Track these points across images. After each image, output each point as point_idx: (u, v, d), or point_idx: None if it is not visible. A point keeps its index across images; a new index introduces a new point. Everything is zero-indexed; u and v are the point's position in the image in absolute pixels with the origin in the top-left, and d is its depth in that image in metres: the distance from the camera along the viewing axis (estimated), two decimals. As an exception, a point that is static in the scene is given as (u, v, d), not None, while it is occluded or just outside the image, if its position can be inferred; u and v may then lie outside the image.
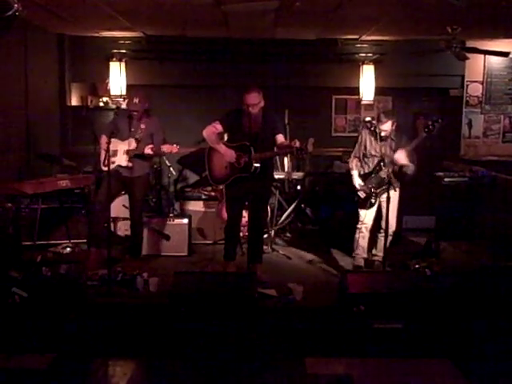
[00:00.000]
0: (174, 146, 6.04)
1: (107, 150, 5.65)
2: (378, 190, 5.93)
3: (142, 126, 6.13)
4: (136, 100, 6.13)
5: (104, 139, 6.02)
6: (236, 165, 5.67)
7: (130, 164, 6.14)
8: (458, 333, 4.73)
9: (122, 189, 6.45)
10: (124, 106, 8.40)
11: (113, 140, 5.95)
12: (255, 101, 5.54)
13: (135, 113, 6.12)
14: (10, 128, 7.06)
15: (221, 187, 6.53)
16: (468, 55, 7.21)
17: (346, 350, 4.62)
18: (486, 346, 4.52)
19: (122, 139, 6.15)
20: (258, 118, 5.60)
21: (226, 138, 6.14)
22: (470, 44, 7.72)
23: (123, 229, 7.00)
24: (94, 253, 6.17)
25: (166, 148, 6.02)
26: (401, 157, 5.74)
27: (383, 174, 5.81)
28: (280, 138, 5.72)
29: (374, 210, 6.08)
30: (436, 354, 4.54)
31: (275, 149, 5.78)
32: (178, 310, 4.88)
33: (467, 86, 8.69)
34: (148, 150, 6.04)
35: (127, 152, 6.12)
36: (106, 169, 5.80)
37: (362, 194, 6.01)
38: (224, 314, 4.85)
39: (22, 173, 7.09)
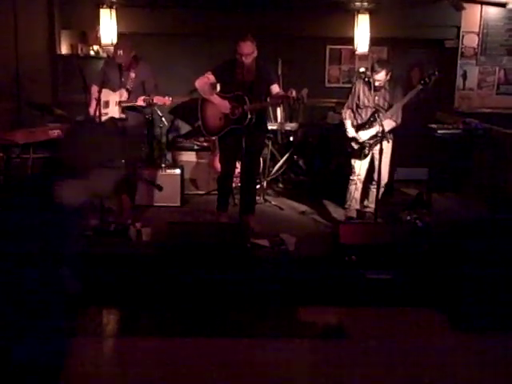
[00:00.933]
0: (167, 97, 5.92)
1: (98, 100, 5.58)
2: (372, 141, 5.92)
3: (132, 75, 5.98)
4: (120, 52, 5.94)
5: (95, 89, 5.93)
6: (230, 116, 5.62)
7: (123, 115, 6.01)
8: (447, 283, 4.79)
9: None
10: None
11: (104, 90, 5.89)
12: (249, 50, 5.46)
13: (122, 64, 6.00)
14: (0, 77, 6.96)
15: (214, 138, 6.48)
16: (465, 5, 7.10)
17: (338, 300, 4.69)
18: (474, 296, 4.58)
19: (113, 90, 6.01)
20: (251, 68, 5.53)
21: (218, 88, 6.05)
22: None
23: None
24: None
25: (157, 99, 5.90)
26: (385, 123, 5.69)
27: (377, 125, 5.78)
28: (275, 88, 5.67)
29: (367, 161, 6.07)
30: (425, 303, 4.62)
31: (269, 99, 5.74)
32: (171, 259, 4.91)
33: (463, 36, 8.58)
34: (140, 102, 5.90)
35: (119, 103, 6.00)
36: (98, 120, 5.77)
37: (355, 145, 6.00)
38: (217, 264, 4.89)
39: (12, 122, 7.03)
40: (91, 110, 5.92)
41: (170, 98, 5.95)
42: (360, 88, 6.02)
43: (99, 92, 5.63)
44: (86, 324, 4.30)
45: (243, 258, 5.00)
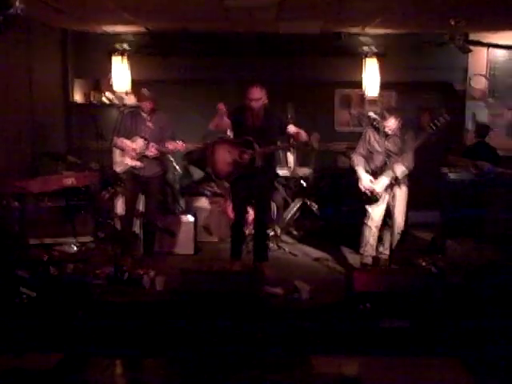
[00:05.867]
0: (179, 142, 5.98)
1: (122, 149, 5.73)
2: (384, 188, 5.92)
3: (149, 125, 6.04)
4: (146, 93, 6.05)
5: (116, 140, 6.00)
6: (239, 160, 5.67)
7: (139, 164, 6.03)
8: (464, 331, 4.74)
9: (140, 188, 6.31)
10: (127, 101, 8.41)
11: (122, 140, 5.95)
12: (258, 95, 5.57)
13: (146, 107, 6.03)
14: (15, 126, 7.06)
15: (226, 184, 6.52)
16: (471, 48, 7.17)
17: (352, 349, 4.64)
18: (493, 345, 4.52)
19: (129, 138, 6.05)
20: (260, 113, 5.64)
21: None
22: (473, 37, 7.67)
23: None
24: (131, 261, 6.11)
25: (170, 145, 5.95)
26: (398, 170, 5.71)
27: (388, 172, 5.79)
28: (291, 128, 5.73)
29: (382, 207, 6.03)
30: (443, 352, 4.55)
31: (280, 143, 5.82)
32: (184, 308, 4.89)
33: (470, 79, 8.65)
34: (153, 150, 5.96)
35: (135, 152, 6.03)
36: (118, 170, 5.87)
37: (368, 192, 5.98)
38: (230, 312, 4.86)
39: (27, 171, 7.10)
40: (115, 162, 6.01)
41: (182, 143, 5.99)
42: (371, 134, 6.04)
43: (111, 141, 5.73)
44: (96, 375, 4.26)
45: (256, 307, 4.97)
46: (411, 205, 6.57)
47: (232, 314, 4.85)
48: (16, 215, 6.11)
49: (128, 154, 6.03)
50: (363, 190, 5.98)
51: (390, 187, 5.87)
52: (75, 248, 6.63)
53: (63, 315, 4.84)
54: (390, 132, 5.85)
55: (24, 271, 5.19)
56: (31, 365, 4.32)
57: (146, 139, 5.99)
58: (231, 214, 6.21)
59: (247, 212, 6.09)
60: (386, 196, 5.97)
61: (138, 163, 6.02)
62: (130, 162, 6.03)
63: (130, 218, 6.26)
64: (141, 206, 6.42)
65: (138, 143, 6.00)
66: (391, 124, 5.81)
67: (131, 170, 6.09)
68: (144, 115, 6.08)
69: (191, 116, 8.01)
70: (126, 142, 6.01)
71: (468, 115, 8.70)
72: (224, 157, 5.77)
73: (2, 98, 6.77)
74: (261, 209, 5.94)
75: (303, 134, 5.55)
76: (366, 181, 5.96)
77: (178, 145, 5.96)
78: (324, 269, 6.40)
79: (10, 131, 6.93)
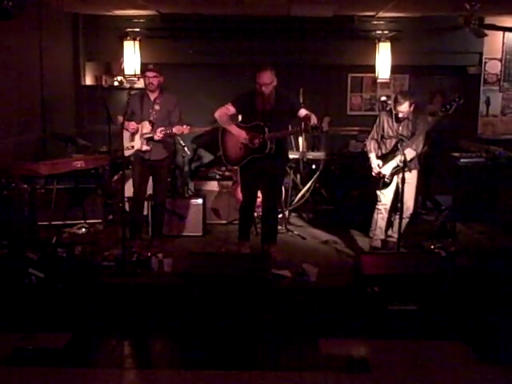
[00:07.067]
0: (185, 126, 5.89)
1: (121, 132, 5.66)
2: (393, 171, 5.88)
3: (157, 108, 6.00)
4: (151, 74, 5.94)
5: (120, 119, 5.89)
6: (250, 145, 5.64)
7: (147, 147, 5.99)
8: (472, 315, 4.71)
9: (149, 171, 6.26)
10: (138, 85, 8.39)
11: (128, 123, 5.93)
12: (268, 80, 5.50)
13: (152, 84, 5.96)
14: (25, 108, 7.09)
15: (235, 167, 6.50)
16: (486, 32, 7.07)
17: (360, 332, 4.63)
18: (501, 329, 4.49)
19: (137, 122, 6.01)
20: (270, 97, 5.56)
21: (240, 119, 6.07)
22: (489, 20, 7.55)
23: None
24: (140, 243, 6.15)
25: (176, 129, 5.88)
26: (407, 153, 5.65)
27: (397, 156, 5.74)
28: (302, 112, 5.64)
29: (391, 190, 6.00)
30: (450, 336, 4.54)
31: (291, 127, 5.77)
32: (192, 290, 4.90)
33: (485, 63, 8.56)
34: (159, 134, 5.90)
35: (142, 136, 6.01)
36: (128, 153, 5.92)
37: (377, 176, 5.95)
38: (238, 295, 4.86)
39: (37, 153, 7.14)
40: (123, 145, 5.89)
41: (189, 127, 5.93)
42: (384, 119, 5.98)
43: (122, 124, 5.68)
44: (105, 355, 4.29)
45: (264, 289, 4.96)
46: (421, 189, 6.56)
47: (240, 297, 4.84)
48: (25, 197, 6.12)
49: (135, 137, 6.02)
50: (373, 174, 5.96)
51: (396, 172, 5.83)
52: (84, 230, 6.66)
53: (72, 296, 4.87)
54: (402, 116, 5.79)
55: (33, 253, 5.22)
56: (42, 344, 4.37)
57: (152, 123, 5.96)
58: (240, 197, 6.19)
59: (257, 195, 6.05)
60: (395, 179, 5.94)
61: (145, 147, 6.00)
62: (137, 145, 6.01)
63: (138, 201, 6.26)
64: (149, 189, 6.41)
65: (145, 126, 5.97)
66: (404, 108, 5.75)
67: (139, 154, 6.06)
68: (151, 97, 6.03)
69: (201, 99, 7.98)
70: (133, 125, 5.98)
71: (482, 100, 8.62)
72: (234, 142, 5.74)
73: (13, 81, 6.80)
74: (271, 192, 5.90)
75: (314, 118, 5.49)
76: (374, 165, 5.96)
77: (185, 129, 5.89)
78: (332, 252, 6.36)
79: (21, 114, 6.96)
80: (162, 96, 6.07)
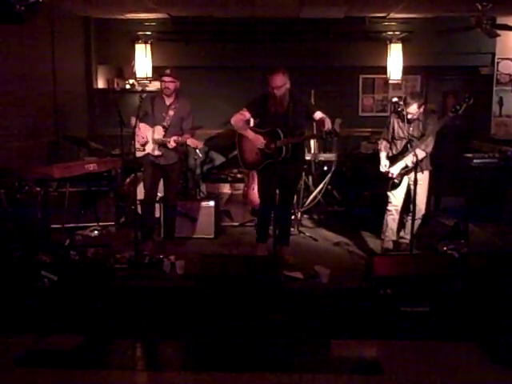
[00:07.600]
0: (199, 142, 5.93)
1: (133, 134, 5.68)
2: (402, 172, 5.86)
3: (171, 113, 5.98)
4: (169, 79, 5.94)
5: (133, 121, 5.87)
6: (266, 150, 5.64)
7: (159, 152, 6.00)
8: (485, 316, 4.68)
9: (160, 174, 6.27)
10: (150, 88, 8.43)
11: (143, 125, 5.95)
12: (280, 83, 5.48)
13: (168, 88, 5.96)
14: (38, 112, 7.14)
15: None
16: (499, 32, 7.03)
17: (373, 333, 4.61)
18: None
19: (150, 124, 6.01)
20: (283, 99, 5.54)
21: (252, 123, 6.07)
22: (501, 21, 7.52)
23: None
24: (152, 246, 6.19)
25: (191, 142, 5.89)
26: (417, 154, 5.63)
27: (406, 157, 5.73)
28: (318, 114, 5.64)
29: (402, 191, 5.98)
30: (463, 337, 4.50)
31: (306, 132, 5.80)
32: (204, 292, 4.90)
33: (498, 63, 8.51)
34: (172, 144, 5.90)
35: (154, 140, 6.01)
36: (139, 155, 5.91)
37: (385, 175, 5.94)
38: (250, 297, 4.86)
39: (50, 156, 7.18)
40: (135, 146, 5.93)
41: (202, 143, 5.97)
42: (394, 120, 5.97)
43: (134, 127, 5.70)
44: (117, 357, 4.30)
45: (276, 291, 4.96)
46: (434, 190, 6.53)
47: (252, 299, 4.84)
48: (38, 200, 6.16)
49: (146, 141, 6.02)
50: (382, 171, 5.97)
51: (406, 172, 5.81)
52: (96, 232, 6.69)
53: (84, 298, 4.89)
54: (412, 117, 5.77)
55: (46, 255, 5.25)
56: (55, 346, 4.37)
57: (165, 128, 5.96)
58: (252, 199, 6.18)
59: (275, 198, 6.03)
60: (406, 180, 5.92)
61: (157, 152, 6.00)
62: (148, 148, 6.02)
63: (150, 204, 6.28)
64: (161, 192, 6.43)
65: (158, 131, 5.97)
66: (412, 110, 5.73)
67: (150, 157, 6.07)
68: (167, 101, 6.02)
69: (213, 102, 8.01)
70: (146, 130, 5.99)
71: (495, 100, 8.57)
72: (251, 147, 5.75)
73: (26, 84, 6.85)
74: (286, 195, 5.88)
75: (328, 122, 5.47)
76: (382, 165, 5.97)
77: (198, 143, 5.93)
78: (344, 253, 6.36)
79: (34, 117, 7.02)
80: (177, 101, 6.06)
